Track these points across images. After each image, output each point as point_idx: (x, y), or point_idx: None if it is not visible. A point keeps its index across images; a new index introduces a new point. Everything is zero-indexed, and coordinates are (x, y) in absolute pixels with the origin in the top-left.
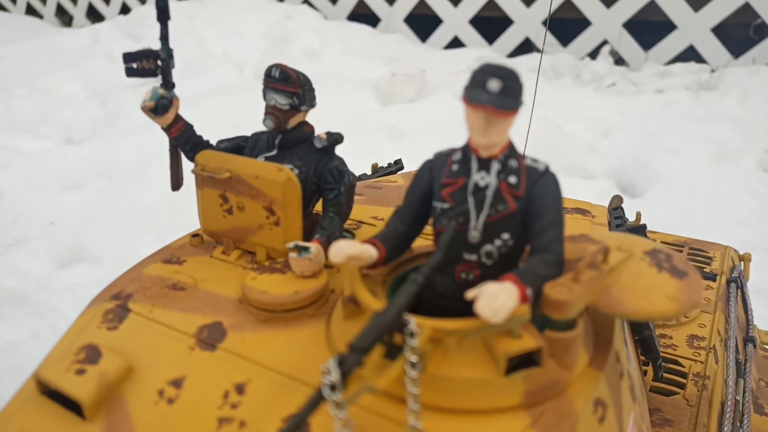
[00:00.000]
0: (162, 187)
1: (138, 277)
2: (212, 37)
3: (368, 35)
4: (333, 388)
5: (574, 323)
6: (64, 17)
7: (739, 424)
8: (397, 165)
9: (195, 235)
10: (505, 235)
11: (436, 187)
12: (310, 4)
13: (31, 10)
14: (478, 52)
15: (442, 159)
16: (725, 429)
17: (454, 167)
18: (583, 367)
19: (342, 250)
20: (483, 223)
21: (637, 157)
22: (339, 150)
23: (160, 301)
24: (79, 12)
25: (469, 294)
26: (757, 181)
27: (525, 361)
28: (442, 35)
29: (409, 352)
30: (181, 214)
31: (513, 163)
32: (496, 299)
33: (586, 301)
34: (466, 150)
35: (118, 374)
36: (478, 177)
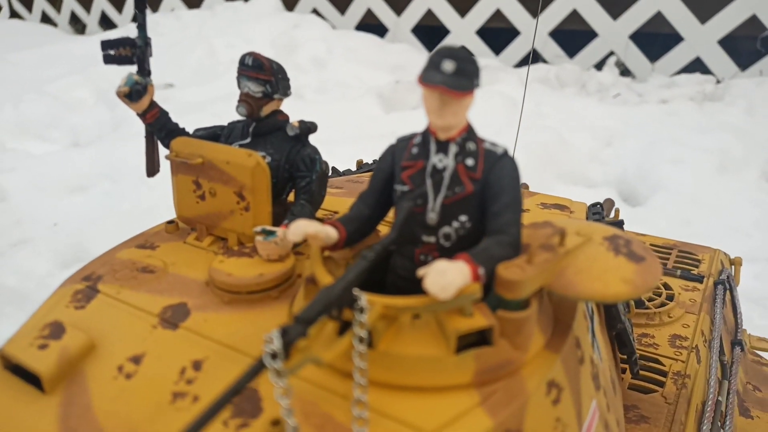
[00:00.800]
0: (165, 191)
1: (110, 260)
2: (221, 45)
3: (375, 45)
4: (274, 356)
5: (527, 304)
6: (78, 25)
7: (720, 424)
8: None
9: (170, 222)
10: (463, 218)
11: (397, 170)
12: (319, 14)
13: (45, 18)
14: (485, 63)
15: (403, 143)
16: (704, 428)
17: (414, 150)
18: (539, 350)
19: (299, 228)
20: (440, 205)
21: (640, 166)
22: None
23: (128, 283)
24: (92, 20)
25: (420, 271)
26: (760, 191)
27: (478, 340)
28: None
29: (357, 327)
30: None
31: (471, 145)
32: (445, 276)
33: (539, 282)
34: (426, 133)
35: (80, 350)
36: (436, 159)
